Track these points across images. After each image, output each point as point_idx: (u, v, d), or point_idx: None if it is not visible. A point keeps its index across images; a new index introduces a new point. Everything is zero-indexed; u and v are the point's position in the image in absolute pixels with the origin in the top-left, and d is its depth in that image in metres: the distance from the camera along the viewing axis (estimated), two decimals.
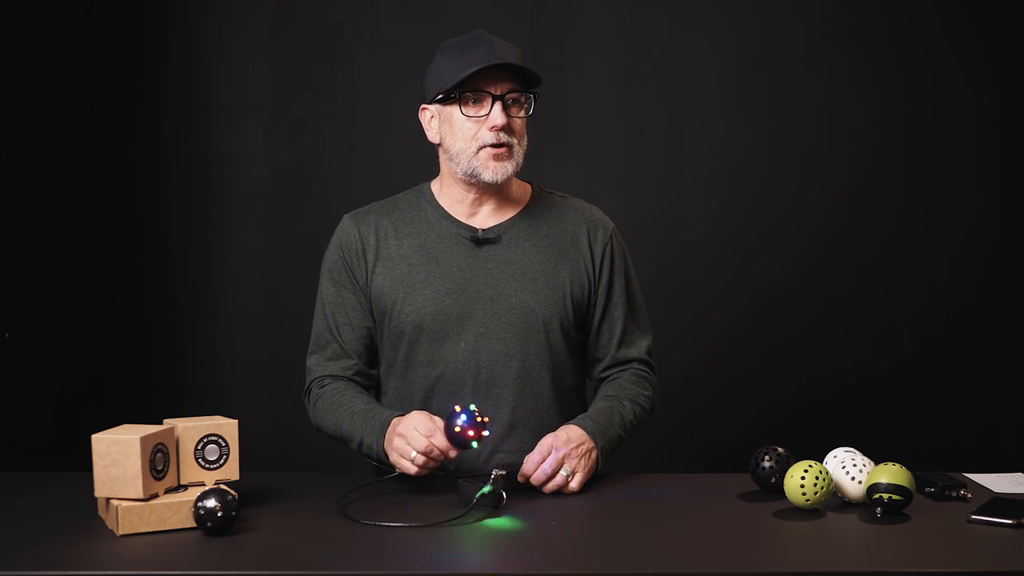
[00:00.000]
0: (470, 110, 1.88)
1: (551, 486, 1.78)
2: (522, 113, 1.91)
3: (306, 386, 2.02)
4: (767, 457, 1.74)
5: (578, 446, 1.81)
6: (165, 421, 1.68)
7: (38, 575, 1.40)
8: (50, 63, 3.09)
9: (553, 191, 2.07)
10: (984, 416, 3.29)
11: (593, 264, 2.00)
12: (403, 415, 1.81)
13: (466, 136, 1.89)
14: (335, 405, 1.93)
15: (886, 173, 3.28)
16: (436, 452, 1.72)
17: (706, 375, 3.31)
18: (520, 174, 1.98)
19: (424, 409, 1.89)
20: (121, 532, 1.53)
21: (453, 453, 1.72)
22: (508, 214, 1.99)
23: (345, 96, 3.28)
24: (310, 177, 3.30)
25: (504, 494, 1.66)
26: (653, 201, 3.30)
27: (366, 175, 3.28)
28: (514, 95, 1.89)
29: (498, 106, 1.87)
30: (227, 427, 1.67)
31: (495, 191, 1.97)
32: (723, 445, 3.29)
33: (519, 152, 1.92)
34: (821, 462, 1.71)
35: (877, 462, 1.68)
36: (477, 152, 1.89)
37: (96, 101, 3.22)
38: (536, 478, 1.77)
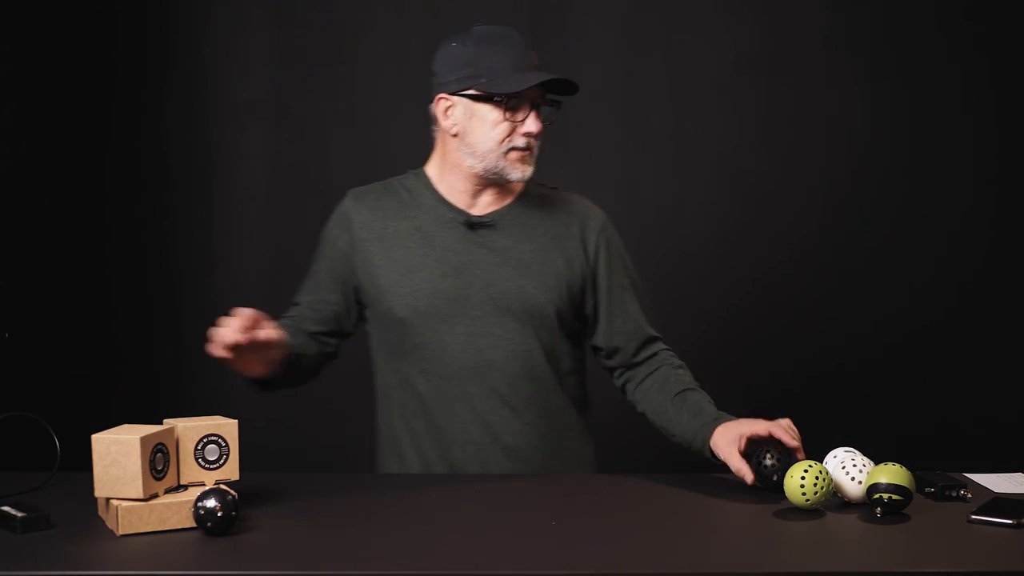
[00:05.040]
0: (509, 114, 1.89)
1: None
2: (549, 119, 1.94)
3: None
4: (768, 455, 1.74)
5: None
6: (165, 421, 1.68)
7: (38, 575, 1.40)
8: (50, 63, 3.09)
9: (544, 183, 2.08)
10: (985, 416, 3.29)
11: (587, 255, 2.01)
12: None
13: (497, 138, 1.90)
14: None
15: (885, 172, 3.28)
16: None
17: (705, 374, 3.29)
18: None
19: (425, 392, 1.96)
20: (121, 532, 1.53)
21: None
22: (503, 202, 2.01)
23: (345, 96, 3.28)
24: (310, 177, 3.30)
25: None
26: (653, 201, 3.29)
27: (366, 175, 3.24)
28: (546, 104, 1.92)
29: (534, 114, 1.90)
30: (227, 427, 1.68)
31: (496, 183, 1.99)
32: None
33: (536, 153, 1.95)
34: (821, 462, 1.71)
35: (877, 462, 1.68)
36: (506, 154, 1.91)
37: (96, 101, 3.22)
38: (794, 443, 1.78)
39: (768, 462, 1.74)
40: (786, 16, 3.26)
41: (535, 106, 1.90)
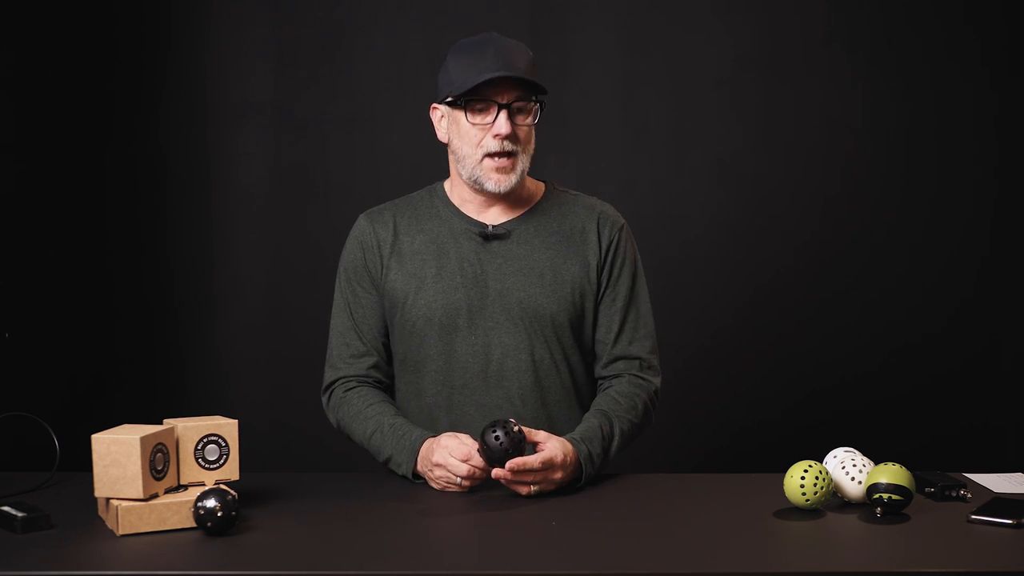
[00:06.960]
0: (476, 117, 1.89)
1: (514, 487, 1.75)
2: (528, 120, 1.92)
3: (326, 384, 2.02)
4: (497, 430, 1.70)
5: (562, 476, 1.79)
6: (165, 421, 1.68)
7: (38, 575, 1.40)
8: (50, 63, 3.09)
9: (567, 189, 2.08)
10: (984, 416, 3.28)
11: (599, 256, 2.00)
12: (433, 437, 1.82)
13: (471, 142, 1.91)
14: (363, 415, 1.94)
15: (885, 172, 3.27)
16: (479, 473, 1.74)
17: (705, 375, 3.30)
18: (530, 172, 2.00)
19: (434, 403, 1.94)
20: (121, 532, 1.54)
21: (493, 471, 1.72)
22: (519, 211, 2.01)
23: (345, 96, 3.28)
24: (310, 177, 3.30)
25: None
26: (653, 201, 3.29)
27: (366, 175, 3.28)
28: (520, 103, 1.90)
29: (503, 115, 1.88)
30: (227, 427, 1.68)
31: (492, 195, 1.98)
32: (722, 445, 3.29)
33: (524, 159, 1.93)
34: (821, 462, 1.71)
35: (877, 462, 1.68)
36: (481, 160, 1.91)
37: (96, 101, 3.22)
38: (514, 481, 1.73)
39: (496, 434, 1.70)
40: (786, 16, 3.26)
41: (506, 108, 1.88)
